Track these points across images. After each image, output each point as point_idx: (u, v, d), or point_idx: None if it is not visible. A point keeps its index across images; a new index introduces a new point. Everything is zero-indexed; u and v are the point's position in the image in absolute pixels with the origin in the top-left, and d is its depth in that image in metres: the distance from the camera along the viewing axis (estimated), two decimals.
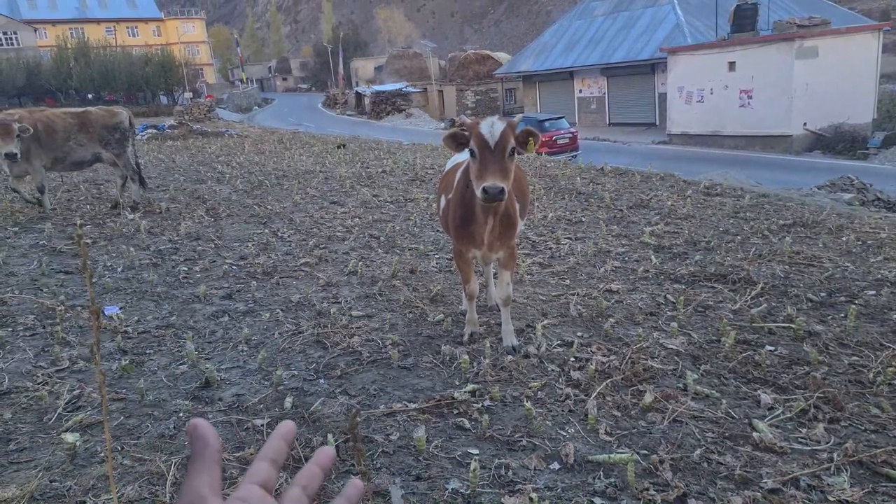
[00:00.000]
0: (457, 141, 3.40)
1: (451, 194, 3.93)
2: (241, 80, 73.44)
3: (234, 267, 5.79)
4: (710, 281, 5.15)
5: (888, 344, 3.75)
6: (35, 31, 63.33)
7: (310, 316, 4.51)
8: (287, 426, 0.62)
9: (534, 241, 6.64)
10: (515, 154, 3.34)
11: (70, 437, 2.68)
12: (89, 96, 54.97)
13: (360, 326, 4.29)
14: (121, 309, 4.63)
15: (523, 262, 5.80)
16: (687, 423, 2.96)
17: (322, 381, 3.50)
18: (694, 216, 7.57)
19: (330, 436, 2.72)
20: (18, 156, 7.19)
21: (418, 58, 55.28)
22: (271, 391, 3.34)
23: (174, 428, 2.95)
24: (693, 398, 3.19)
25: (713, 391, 3.26)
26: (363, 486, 0.65)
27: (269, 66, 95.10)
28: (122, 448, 2.72)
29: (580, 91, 33.18)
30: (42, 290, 5.08)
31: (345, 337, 4.07)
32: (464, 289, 4.15)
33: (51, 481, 2.51)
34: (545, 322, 4.28)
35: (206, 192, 9.79)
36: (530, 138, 3.42)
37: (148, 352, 3.91)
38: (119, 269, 5.71)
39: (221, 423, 2.99)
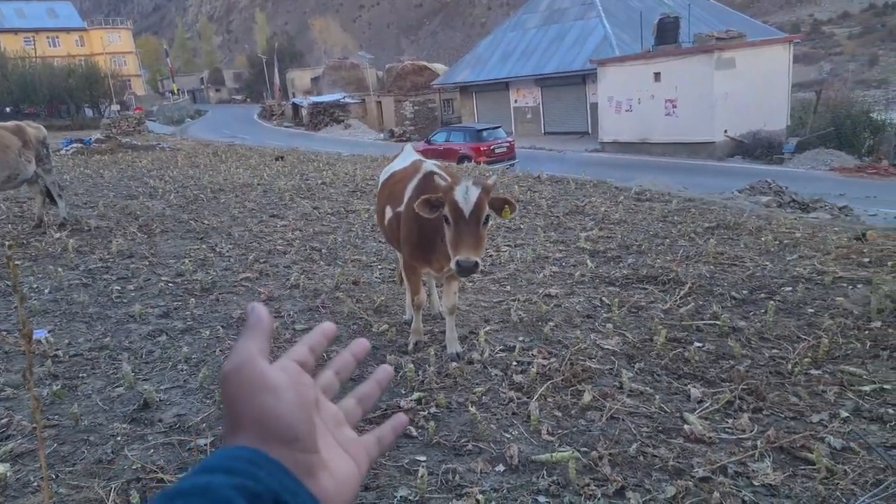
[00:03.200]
0: (431, 205, 3.38)
1: (399, 207, 3.95)
2: (172, 92, 71.23)
3: (170, 284, 5.64)
4: (642, 283, 5.38)
5: (804, 336, 4.02)
6: None
7: None
8: (329, 326, 0.62)
9: None
10: (489, 221, 3.35)
11: (0, 468, 2.57)
12: (7, 110, 52.13)
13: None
14: (50, 332, 4.44)
15: None
16: (623, 420, 3.10)
17: None
18: (626, 221, 7.88)
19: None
20: None
21: (356, 68, 55.09)
22: (214, 409, 3.28)
23: (112, 452, 2.87)
24: (629, 395, 3.34)
25: (647, 388, 3.42)
26: (392, 372, 0.67)
27: (202, 77, 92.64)
28: (57, 476, 2.62)
29: (516, 101, 33.86)
30: None
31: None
32: (412, 299, 4.20)
33: None
34: (488, 328, 4.38)
35: (139, 208, 9.47)
36: (506, 206, 3.42)
37: (81, 375, 3.78)
38: (47, 291, 5.47)
39: (162, 446, 2.93)
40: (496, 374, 3.68)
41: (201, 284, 5.54)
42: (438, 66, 46.08)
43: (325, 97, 47.97)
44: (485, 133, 19.60)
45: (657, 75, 23.40)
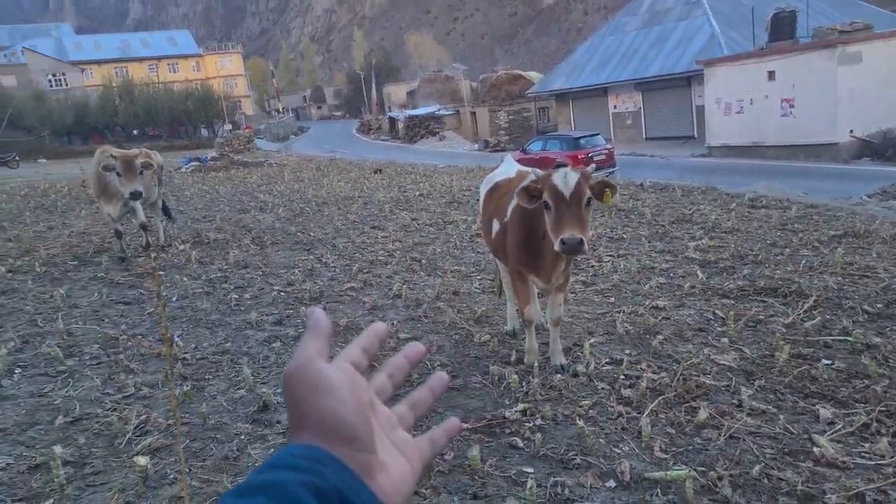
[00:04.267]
0: (530, 194, 3.37)
1: (504, 218, 3.95)
2: (278, 111, 75.41)
3: (282, 293, 5.95)
4: (759, 295, 5.07)
5: None
6: (82, 71, 66.30)
7: None
8: (381, 326, 0.64)
9: (575, 261, 6.64)
10: (592, 204, 3.30)
11: (142, 461, 2.81)
12: (134, 132, 57.21)
13: None
14: (179, 336, 4.80)
15: None
16: (744, 440, 2.93)
17: None
18: (739, 229, 7.46)
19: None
20: (143, 194, 6.86)
21: (450, 80, 55.90)
22: None
23: (237, 450, 3.06)
24: (749, 414, 3.15)
25: (769, 406, 3.21)
26: (448, 379, 0.66)
27: (304, 96, 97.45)
28: (190, 470, 2.83)
29: (615, 107, 33.03)
30: (104, 320, 5.31)
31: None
32: (523, 312, 4.04)
33: (126, 503, 2.63)
34: (592, 340, 4.29)
35: (251, 221, 10.08)
36: (607, 189, 3.36)
37: (207, 377, 4.06)
38: (174, 299, 5.92)
39: (281, 445, 3.07)
40: (603, 388, 3.59)
41: (310, 294, 5.80)
42: (533, 75, 45.81)
43: (420, 110, 49.00)
44: (582, 141, 19.24)
45: (771, 74, 22.00)
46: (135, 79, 61.07)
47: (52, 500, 2.69)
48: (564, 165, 3.53)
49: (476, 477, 2.74)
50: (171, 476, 2.82)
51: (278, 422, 3.36)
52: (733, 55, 24.70)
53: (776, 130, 22.21)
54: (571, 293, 5.53)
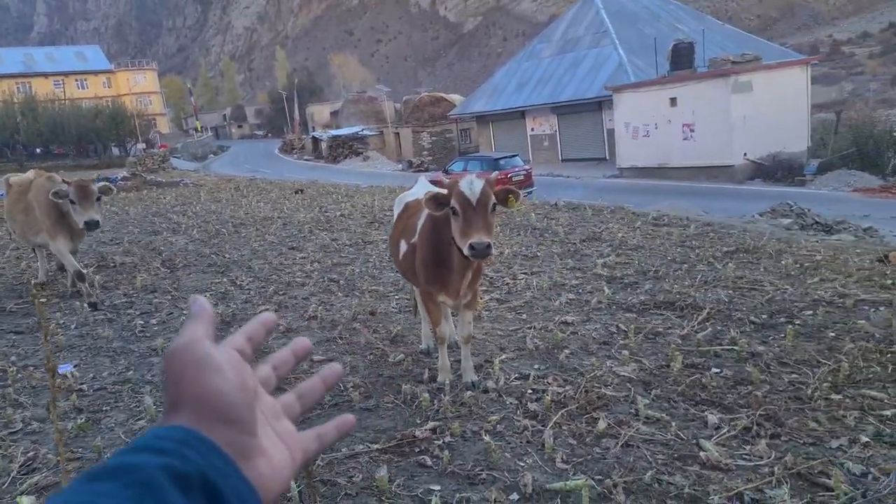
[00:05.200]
0: (438, 202, 3.44)
1: (413, 238, 4.01)
2: (196, 129, 73.10)
3: None
4: (659, 308, 5.36)
5: (824, 361, 3.97)
6: None
7: None
8: (269, 316, 0.62)
9: (491, 278, 6.80)
10: (496, 209, 3.40)
11: (26, 501, 2.64)
12: (37, 150, 53.88)
13: (320, 370, 4.31)
14: (75, 366, 4.56)
15: (481, 298, 5.93)
16: (639, 447, 3.09)
17: None
18: (644, 246, 7.86)
19: (292, 481, 2.74)
20: (100, 224, 6.20)
21: (374, 101, 56.11)
22: None
23: None
24: (644, 422, 3.33)
25: (663, 415, 3.40)
26: (342, 371, 0.66)
27: (224, 114, 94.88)
28: None
29: (532, 129, 34.13)
30: None
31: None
32: (434, 331, 4.13)
33: None
34: (503, 356, 4.40)
35: (162, 244, 9.70)
36: (510, 195, 3.50)
37: (105, 408, 3.87)
38: (73, 326, 5.62)
39: None
40: (511, 403, 3.69)
41: (221, 317, 5.64)
42: (455, 97, 46.71)
43: (343, 130, 48.82)
44: (502, 161, 19.76)
45: (673, 100, 23.46)
46: (39, 95, 57.60)
47: None
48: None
49: (383, 498, 2.75)
50: None
51: None
52: (639, 82, 26.19)
53: (679, 153, 23.64)
54: (486, 311, 5.65)
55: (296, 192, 17.66)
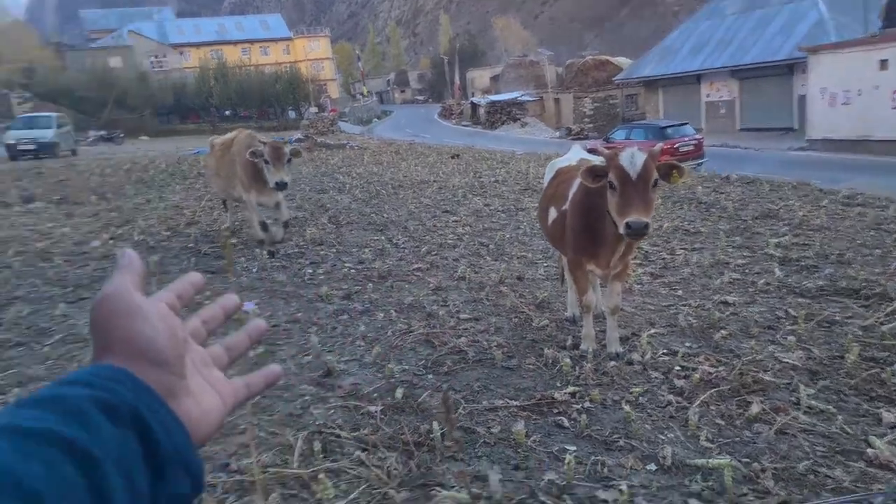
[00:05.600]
0: (594, 174, 3.33)
1: (563, 206, 3.98)
2: (362, 94, 77.02)
3: (352, 270, 6.22)
4: (839, 295, 4.87)
5: None
6: (181, 54, 70.09)
7: (420, 317, 4.78)
8: (197, 276, 0.64)
9: (647, 251, 6.56)
10: (658, 185, 3.25)
11: None
12: (227, 113, 60.08)
13: (467, 328, 4.50)
14: (256, 305, 5.15)
15: (634, 271, 5.76)
16: (795, 436, 2.89)
17: (430, 376, 3.74)
18: (828, 227, 7.12)
19: (435, 423, 2.93)
20: (289, 185, 6.47)
21: (535, 66, 55.21)
22: (384, 382, 3.62)
23: (300, 408, 3.31)
24: (805, 412, 3.09)
25: (829, 406, 3.13)
26: (266, 328, 0.69)
27: (388, 80, 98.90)
28: (258, 423, 3.09)
29: (707, 95, 31.70)
30: None
31: (452, 337, 4.29)
32: (580, 300, 4.06)
33: (201, 447, 2.92)
34: (652, 331, 4.27)
35: (329, 202, 10.49)
36: (674, 171, 3.31)
37: (279, 343, 4.35)
38: (254, 270, 6.32)
39: (340, 408, 3.31)
40: (656, 377, 3.60)
41: (378, 272, 6.04)
42: (622, 60, 44.50)
43: (502, 95, 48.76)
44: (669, 130, 18.62)
45: (884, 63, 20.46)
46: (229, 61, 63.99)
47: None
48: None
49: (519, 450, 2.85)
50: (242, 426, 3.09)
51: (339, 386, 3.59)
52: (841, 42, 23.09)
53: (886, 124, 20.67)
54: (637, 284, 5.49)
55: (452, 157, 18.09)
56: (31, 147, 25.17)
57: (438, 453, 2.81)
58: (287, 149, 6.46)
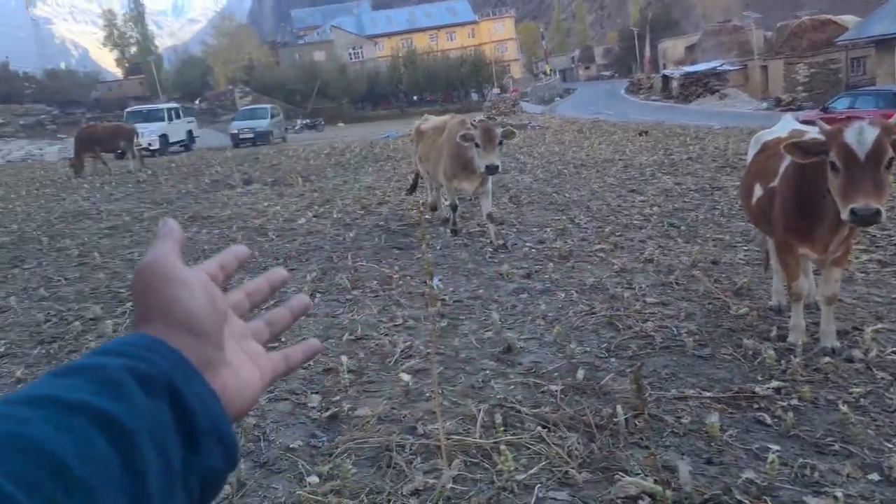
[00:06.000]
0: (804, 150, 2.95)
1: (772, 182, 3.58)
2: (545, 73, 76.07)
3: (532, 250, 6.21)
4: None
5: None
6: (375, 44, 74.70)
7: (603, 299, 4.63)
8: (242, 248, 0.63)
9: (874, 235, 5.71)
10: (892, 165, 2.80)
11: (405, 378, 3.31)
12: (414, 98, 63.09)
13: (654, 313, 4.27)
14: (440, 280, 5.37)
15: (857, 258, 5.05)
16: None
17: (613, 359, 3.62)
18: None
19: (619, 408, 2.83)
20: (499, 169, 6.13)
21: (738, 32, 50.18)
22: (565, 362, 3.58)
23: (482, 382, 3.40)
24: None
25: None
26: (310, 303, 0.66)
27: (572, 56, 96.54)
28: (443, 392, 3.23)
29: None
30: (381, 261, 6.14)
31: (637, 321, 4.10)
32: (789, 287, 3.66)
33: (391, 409, 3.14)
34: (878, 326, 3.72)
35: (510, 181, 10.56)
36: None
37: (461, 318, 4.50)
38: (438, 247, 6.59)
39: (521, 385, 3.34)
40: (883, 378, 3.12)
41: (559, 252, 5.96)
42: (847, 19, 38.67)
43: (698, 66, 45.15)
44: None
45: None
46: (418, 48, 67.03)
47: (339, 397, 3.32)
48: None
49: (712, 444, 2.65)
50: (427, 394, 3.26)
51: (519, 363, 3.62)
52: None
53: None
54: (861, 273, 4.80)
55: (640, 134, 17.22)
56: (250, 136, 29.01)
57: (622, 438, 2.71)
58: (499, 130, 6.16)
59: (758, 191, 3.77)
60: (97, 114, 47.24)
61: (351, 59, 69.28)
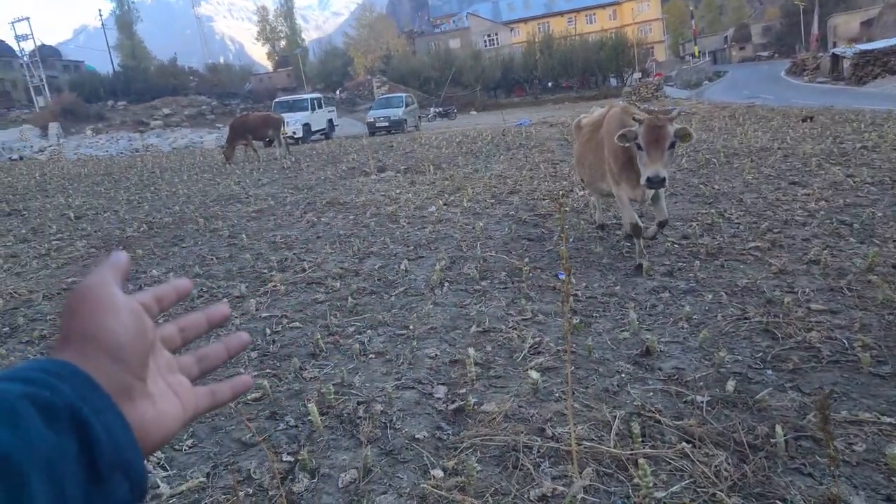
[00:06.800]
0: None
1: None
2: (692, 55, 71.33)
3: (675, 245, 5.78)
4: None
5: None
6: (511, 30, 74.10)
7: (758, 303, 4.18)
8: (184, 283, 0.62)
9: None
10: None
11: (534, 375, 3.17)
12: (549, 84, 61.86)
13: (821, 321, 3.77)
14: (572, 274, 5.14)
15: None
16: None
17: (769, 371, 3.23)
18: None
19: (778, 427, 2.50)
20: (666, 182, 4.47)
21: None
22: (712, 371, 3.25)
23: (617, 385, 3.17)
24: None
25: None
26: (249, 340, 0.65)
27: (725, 36, 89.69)
28: (574, 393, 3.06)
29: None
30: (511, 252, 6.02)
31: (800, 330, 3.65)
32: None
33: (519, 406, 3.01)
34: None
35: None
36: None
37: (594, 315, 4.27)
38: (571, 240, 6.34)
39: (661, 391, 3.07)
40: None
41: (707, 249, 5.49)
42: None
43: (877, 43, 40.06)
44: None
45: None
46: (554, 33, 65.57)
47: (465, 390, 3.26)
48: None
49: (893, 478, 2.26)
50: (557, 394, 3.10)
51: (659, 368, 3.34)
52: None
53: None
54: None
55: (803, 120, 15.58)
56: (385, 124, 30.07)
57: (780, 462, 2.39)
58: (671, 128, 4.45)
59: None
60: (249, 104, 51.45)
61: (486, 45, 69.38)
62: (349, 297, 4.95)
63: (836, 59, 42.95)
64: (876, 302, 3.99)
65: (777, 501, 2.17)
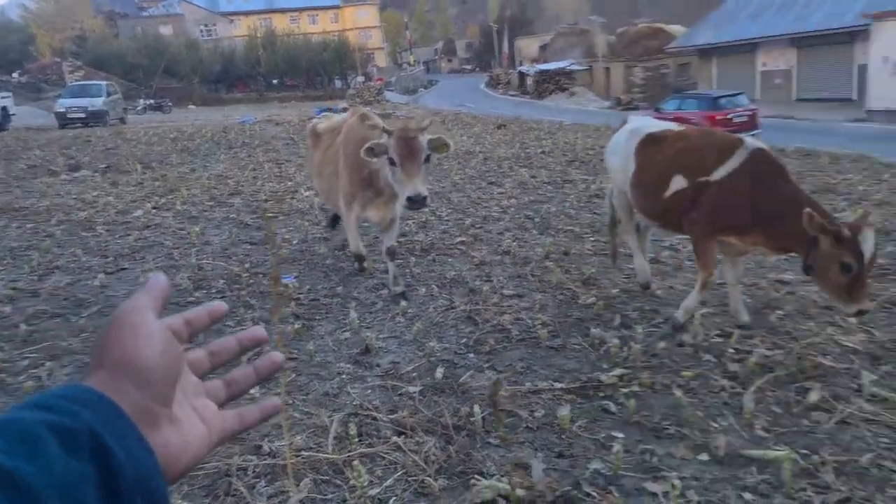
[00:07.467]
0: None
1: (700, 176, 3.62)
2: (409, 63, 76.31)
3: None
4: None
5: None
6: (231, 22, 70.53)
7: (463, 293, 4.67)
8: (219, 306, 0.61)
9: None
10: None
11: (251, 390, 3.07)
12: (274, 82, 60.50)
13: (511, 305, 4.37)
14: (295, 278, 5.13)
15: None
16: (858, 426, 2.70)
17: (471, 355, 3.64)
18: (890, 202, 6.68)
19: (476, 406, 2.84)
20: (428, 201, 3.95)
21: (585, 34, 53.50)
22: (424, 361, 3.54)
23: (337, 388, 3.26)
24: (868, 400, 2.89)
25: (893, 394, 2.92)
26: (282, 361, 0.65)
27: (436, 48, 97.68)
28: (293, 402, 3.06)
29: (764, 65, 30.13)
30: (231, 258, 5.75)
31: (495, 315, 4.18)
32: (704, 278, 3.67)
33: (180, 476, 2.88)
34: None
35: None
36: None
37: (317, 318, 4.32)
38: (295, 242, 6.31)
39: (378, 388, 3.25)
40: (709, 360, 3.42)
41: (421, 245, 5.95)
42: (676, 28, 42.56)
43: (551, 65, 47.60)
44: (722, 101, 17.76)
45: None
46: (278, 29, 64.20)
47: None
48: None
49: (563, 437, 2.74)
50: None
51: (378, 365, 3.53)
52: None
53: None
54: (689, 261, 5.25)
55: (498, 128, 17.78)
56: (81, 115, 25.57)
57: (479, 438, 2.72)
58: (424, 139, 3.94)
59: (678, 183, 3.75)
60: None
61: (203, 35, 64.77)
62: (22, 325, 4.21)
63: (522, 75, 49.90)
64: (552, 284, 4.77)
65: (476, 476, 2.45)
